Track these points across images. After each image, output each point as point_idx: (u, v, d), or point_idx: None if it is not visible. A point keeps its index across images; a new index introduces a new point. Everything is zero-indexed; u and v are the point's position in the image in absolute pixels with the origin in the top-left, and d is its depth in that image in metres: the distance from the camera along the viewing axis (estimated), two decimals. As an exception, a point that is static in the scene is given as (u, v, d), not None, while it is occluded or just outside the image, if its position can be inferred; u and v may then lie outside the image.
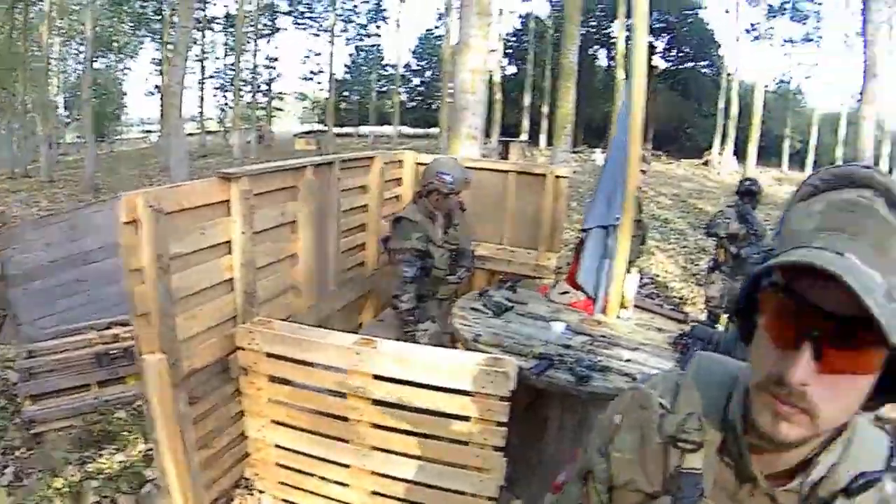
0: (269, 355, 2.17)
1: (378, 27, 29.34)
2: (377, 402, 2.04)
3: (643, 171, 3.17)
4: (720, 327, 4.31)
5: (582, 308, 2.74)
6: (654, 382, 0.70)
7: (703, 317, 4.71)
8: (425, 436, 2.01)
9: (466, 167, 2.98)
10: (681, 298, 6.35)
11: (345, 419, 2.11)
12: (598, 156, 19.00)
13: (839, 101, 25.69)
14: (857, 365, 0.48)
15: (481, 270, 3.54)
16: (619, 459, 0.68)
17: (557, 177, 3.40)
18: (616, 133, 2.68)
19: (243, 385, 2.26)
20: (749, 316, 0.57)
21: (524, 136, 22.62)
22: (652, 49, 31.24)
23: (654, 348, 2.33)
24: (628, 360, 2.18)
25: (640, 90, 2.40)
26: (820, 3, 26.02)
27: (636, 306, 2.77)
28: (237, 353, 2.21)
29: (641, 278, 5.96)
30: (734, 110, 21.66)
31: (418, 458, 2.04)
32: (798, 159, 28.80)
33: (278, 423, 2.26)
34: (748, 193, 4.35)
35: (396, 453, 2.07)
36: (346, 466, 2.16)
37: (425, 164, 2.92)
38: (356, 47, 31.84)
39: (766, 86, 26.48)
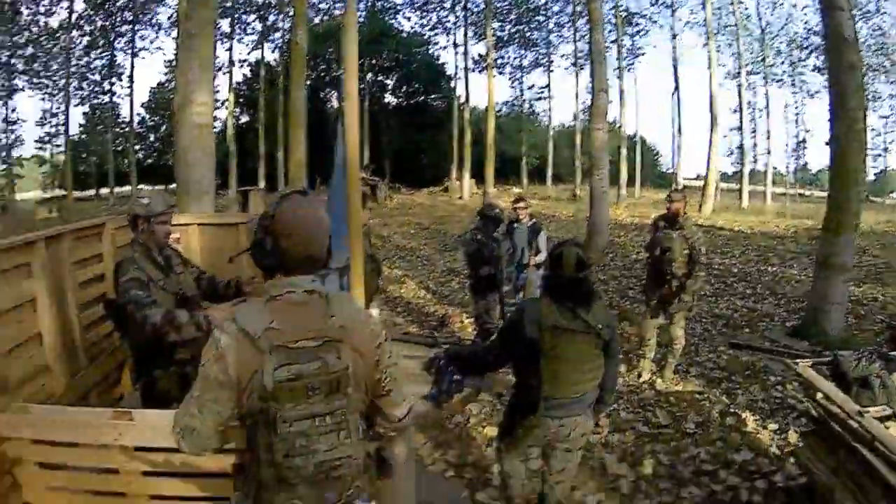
0: (36, 441, 2.04)
1: (112, 84, 26.01)
2: (147, 474, 1.95)
3: (369, 209, 3.15)
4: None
5: None
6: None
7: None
8: (201, 499, 1.95)
9: (201, 223, 2.99)
10: (440, 320, 6.44)
11: (123, 494, 2.02)
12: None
13: (571, 115, 26.83)
14: None
15: None
16: None
17: None
18: (335, 177, 2.61)
19: (18, 476, 2.12)
20: None
21: (262, 184, 21.95)
22: (383, 87, 31.11)
23: (408, 375, 2.32)
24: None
25: (353, 133, 2.41)
26: (550, 31, 26.81)
27: None
28: (3, 445, 2.07)
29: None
30: (468, 137, 22.19)
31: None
32: (537, 174, 29.60)
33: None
34: (493, 220, 4.61)
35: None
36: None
37: None
38: (91, 106, 28.22)
39: (499, 110, 27.59)
